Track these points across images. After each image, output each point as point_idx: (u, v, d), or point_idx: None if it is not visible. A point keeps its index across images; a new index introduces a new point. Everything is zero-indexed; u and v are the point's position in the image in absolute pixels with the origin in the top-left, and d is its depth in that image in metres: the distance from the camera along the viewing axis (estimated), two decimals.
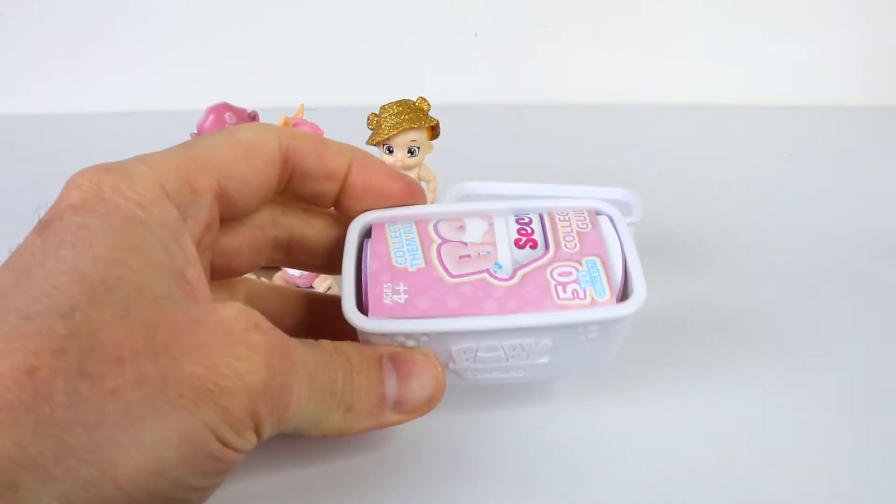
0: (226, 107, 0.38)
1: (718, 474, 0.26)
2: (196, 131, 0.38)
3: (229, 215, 0.24)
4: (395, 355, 0.24)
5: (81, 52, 0.67)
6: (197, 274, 0.21)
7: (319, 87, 0.67)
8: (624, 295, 0.24)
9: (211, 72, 0.67)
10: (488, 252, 0.25)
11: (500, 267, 0.24)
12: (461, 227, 0.26)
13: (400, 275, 0.24)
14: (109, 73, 0.68)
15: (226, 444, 0.19)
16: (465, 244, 0.25)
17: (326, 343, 0.23)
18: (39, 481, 0.16)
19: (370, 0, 0.66)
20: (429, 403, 0.24)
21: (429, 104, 0.37)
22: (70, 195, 0.20)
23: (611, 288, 0.24)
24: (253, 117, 0.39)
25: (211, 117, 0.38)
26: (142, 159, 0.22)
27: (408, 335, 0.24)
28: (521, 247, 0.25)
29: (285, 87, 0.66)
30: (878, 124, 0.67)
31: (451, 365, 0.25)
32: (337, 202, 0.26)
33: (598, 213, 0.27)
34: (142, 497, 0.17)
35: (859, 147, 0.62)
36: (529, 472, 0.26)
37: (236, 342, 0.19)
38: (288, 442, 0.24)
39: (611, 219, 0.26)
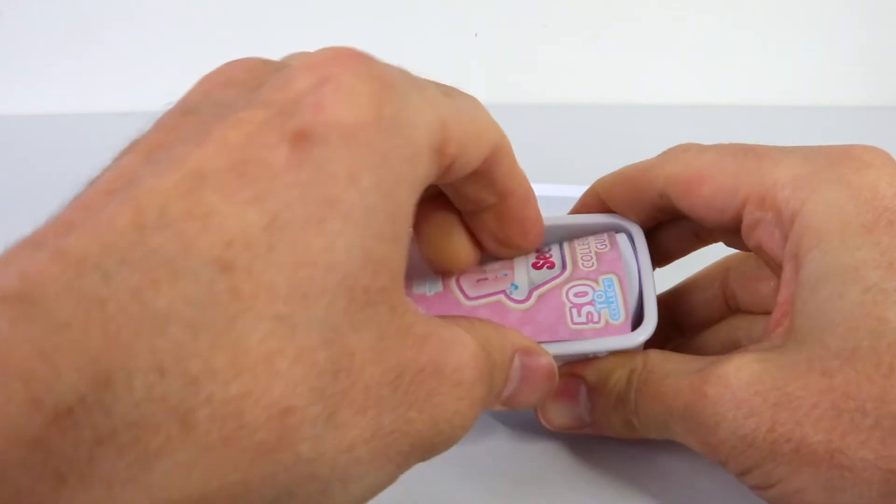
0: None
1: (718, 473, 0.26)
2: None
3: None
4: (527, 355, 0.22)
5: (81, 52, 0.67)
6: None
7: None
8: (640, 315, 0.24)
9: None
10: (506, 275, 0.25)
11: (517, 287, 0.24)
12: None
13: (418, 301, 0.24)
14: (109, 73, 0.68)
15: None
16: (484, 270, 0.25)
17: (491, 343, 0.20)
18: None
19: (370, 0, 0.66)
20: (534, 406, 0.23)
21: None
22: (343, 106, 0.15)
23: (626, 310, 0.23)
24: None
25: None
26: (417, 85, 0.18)
27: None
28: (539, 268, 0.25)
29: None
30: (878, 124, 0.67)
31: None
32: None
33: (617, 230, 0.26)
34: None
35: None
36: (525, 472, 0.26)
37: (463, 395, 0.18)
38: None
39: (629, 236, 0.26)
